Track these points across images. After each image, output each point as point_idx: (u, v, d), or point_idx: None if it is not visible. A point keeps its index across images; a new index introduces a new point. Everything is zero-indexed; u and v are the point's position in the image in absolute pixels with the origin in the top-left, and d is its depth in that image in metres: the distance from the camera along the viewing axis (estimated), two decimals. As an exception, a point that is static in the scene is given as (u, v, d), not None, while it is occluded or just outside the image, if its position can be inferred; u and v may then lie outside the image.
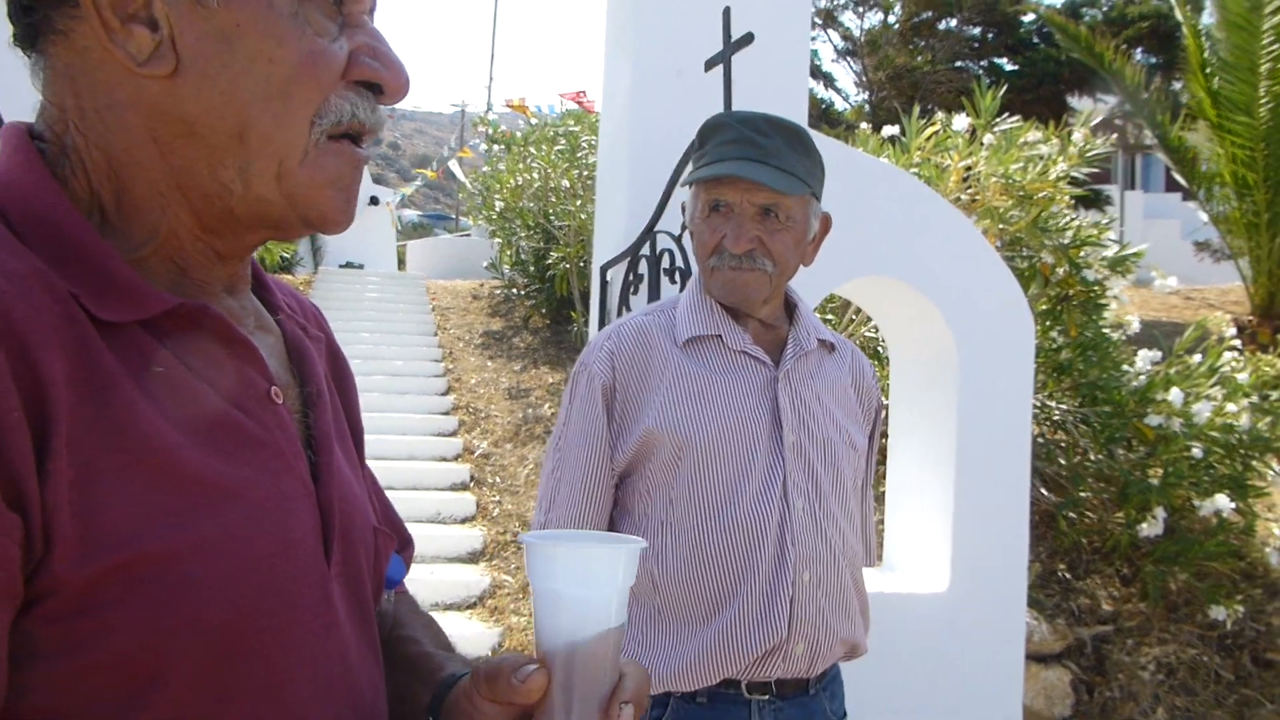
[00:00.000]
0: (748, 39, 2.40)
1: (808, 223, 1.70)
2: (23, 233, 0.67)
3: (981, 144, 4.47)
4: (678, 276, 2.65)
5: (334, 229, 0.79)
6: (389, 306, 11.13)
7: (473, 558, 5.83)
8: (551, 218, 9.27)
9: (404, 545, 1.01)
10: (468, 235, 17.97)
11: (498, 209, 10.32)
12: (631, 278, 2.89)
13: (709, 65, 2.64)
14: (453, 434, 7.62)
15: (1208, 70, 8.79)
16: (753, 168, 1.62)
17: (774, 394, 1.69)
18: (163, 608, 0.64)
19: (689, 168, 1.74)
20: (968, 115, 4.49)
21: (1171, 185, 20.33)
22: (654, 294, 2.74)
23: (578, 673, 0.76)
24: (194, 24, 0.70)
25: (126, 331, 0.68)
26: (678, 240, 2.67)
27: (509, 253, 10.59)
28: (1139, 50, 15.70)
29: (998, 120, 4.54)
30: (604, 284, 3.17)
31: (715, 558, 1.63)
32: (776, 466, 1.66)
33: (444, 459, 7.15)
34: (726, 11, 2.53)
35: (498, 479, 6.84)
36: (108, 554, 0.62)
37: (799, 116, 3.00)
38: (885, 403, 3.97)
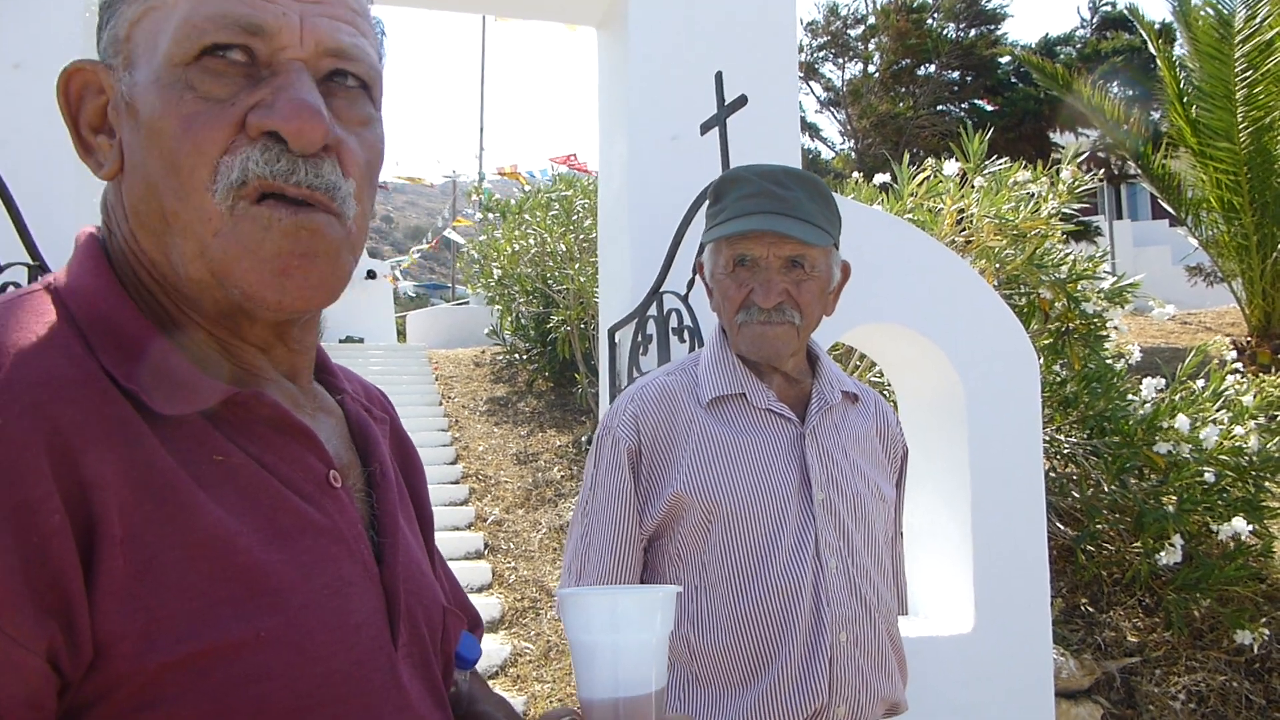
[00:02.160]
0: (742, 101, 2.48)
1: (830, 272, 1.70)
2: (88, 334, 0.69)
3: (973, 186, 4.56)
4: (686, 335, 2.70)
5: (270, 307, 0.73)
6: (392, 378, 11.17)
7: (492, 626, 5.79)
8: (550, 282, 9.36)
9: (474, 625, 0.99)
10: (465, 303, 18.08)
11: (496, 276, 10.41)
12: (640, 339, 2.94)
13: (705, 129, 2.71)
14: (464, 502, 7.61)
15: (1185, 100, 8.94)
16: (779, 221, 1.60)
17: (801, 451, 1.67)
18: (227, 700, 0.65)
19: (706, 224, 1.74)
20: (957, 160, 4.58)
21: (1158, 212, 20.54)
22: (664, 354, 2.78)
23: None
24: (127, 122, 0.74)
25: (187, 423, 0.70)
26: (684, 300, 2.71)
27: (509, 319, 10.66)
28: (1115, 84, 15.96)
29: (986, 163, 4.63)
30: (613, 346, 3.21)
31: (751, 621, 1.60)
32: (808, 526, 1.63)
33: (457, 528, 7.13)
34: (719, 75, 2.60)
35: (512, 545, 6.82)
36: (171, 647, 0.63)
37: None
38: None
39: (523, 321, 10.36)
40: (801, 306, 1.66)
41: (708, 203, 1.77)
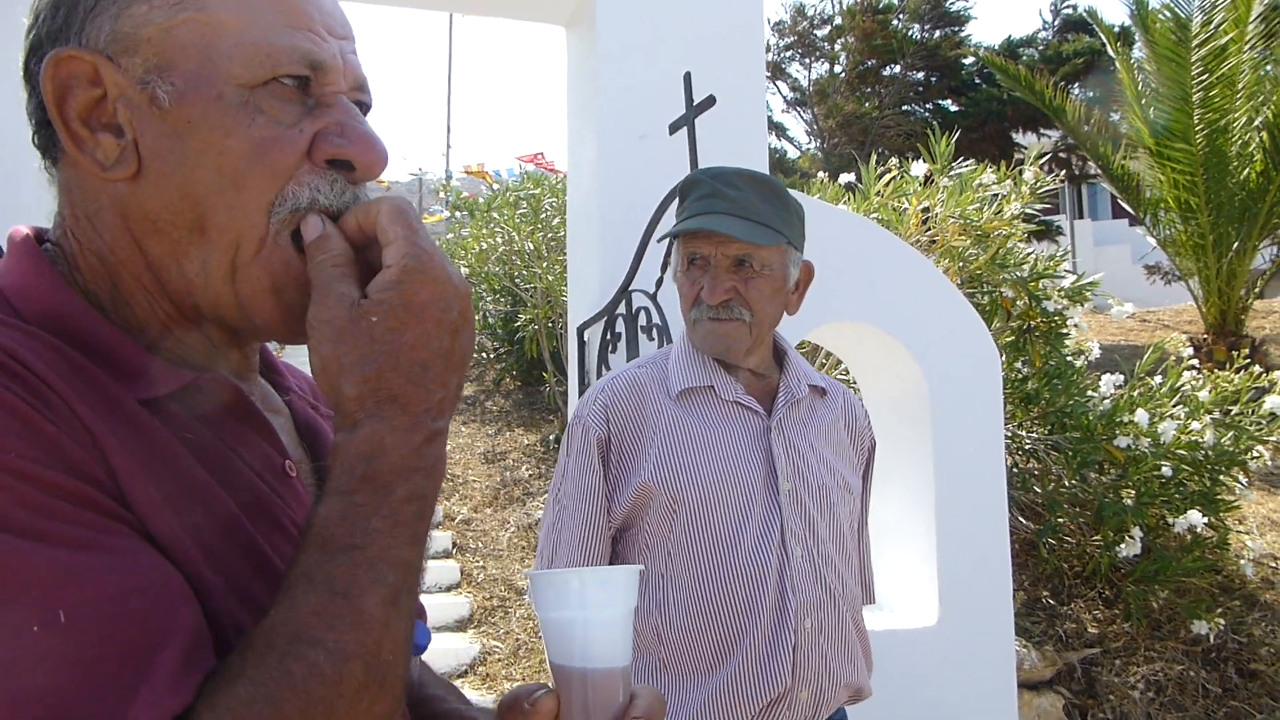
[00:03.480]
0: (710, 101, 2.50)
1: (785, 271, 1.73)
2: (39, 329, 0.69)
3: (938, 187, 4.62)
4: (655, 333, 2.72)
5: (276, 337, 0.77)
6: (359, 378, 11.08)
7: (460, 625, 5.78)
8: (517, 281, 9.35)
9: (419, 613, 1.03)
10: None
11: (463, 274, 10.37)
12: (609, 336, 2.96)
13: (673, 129, 2.73)
14: (432, 501, 7.58)
15: (1143, 102, 9.10)
16: (723, 220, 1.65)
17: (768, 443, 1.71)
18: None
19: (671, 223, 1.79)
20: (924, 160, 4.64)
21: (1118, 211, 20.86)
22: (632, 351, 2.81)
23: (590, 691, 0.79)
24: (151, 125, 0.73)
25: (155, 405, 0.71)
26: (653, 298, 2.74)
27: (477, 317, 10.63)
28: (1076, 86, 16.20)
29: (952, 164, 4.70)
30: (582, 344, 3.23)
31: (716, 609, 1.63)
32: (773, 515, 1.67)
33: (425, 527, 7.10)
34: (688, 76, 2.63)
35: (480, 544, 6.81)
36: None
37: (760, 169, 3.10)
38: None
39: (490, 320, 10.33)
40: (750, 304, 1.70)
41: (675, 202, 1.81)
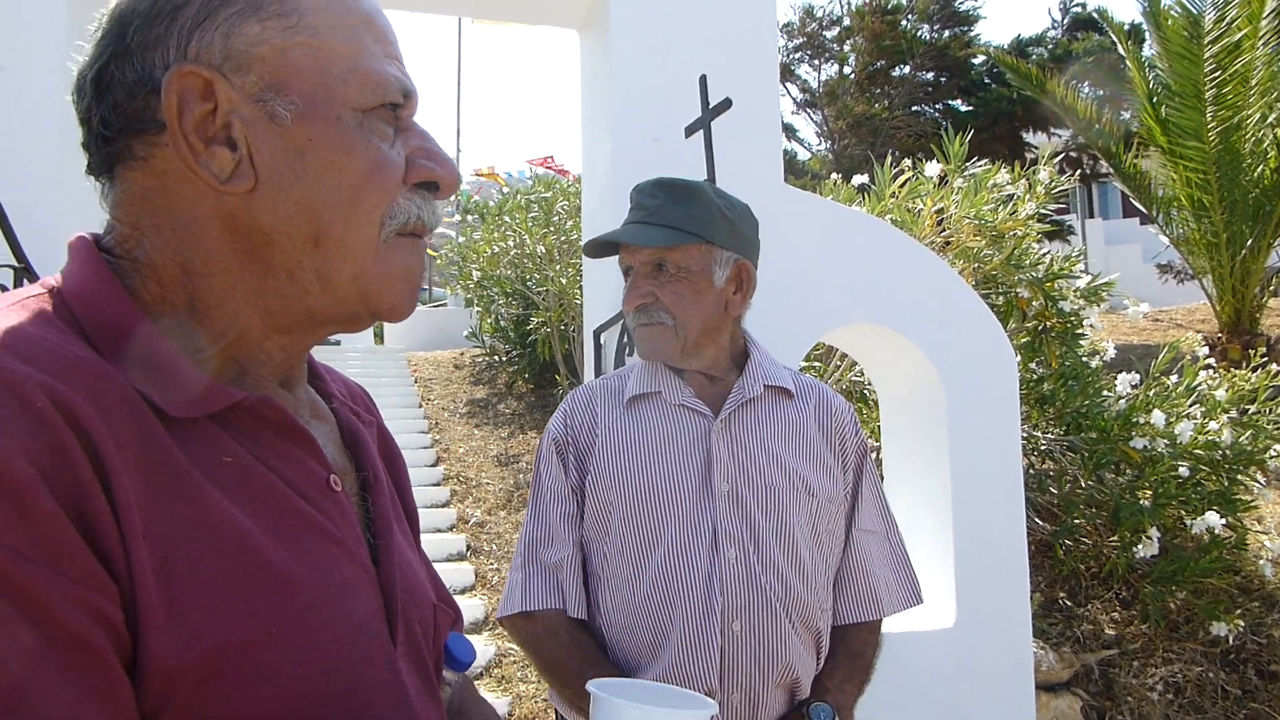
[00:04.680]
0: (726, 104, 2.50)
1: (707, 271, 1.72)
2: (93, 337, 0.70)
3: (952, 188, 4.61)
4: (672, 336, 2.72)
5: (400, 318, 0.83)
6: (371, 380, 11.12)
7: (475, 628, 5.80)
8: (530, 284, 9.36)
9: (456, 619, 1.01)
10: (444, 305, 18.03)
11: (475, 278, 10.40)
12: (626, 340, 2.96)
13: (689, 131, 2.73)
14: (445, 504, 7.61)
15: (1155, 100, 9.06)
16: (629, 230, 1.72)
17: (708, 444, 1.70)
18: (240, 698, 0.65)
19: None
20: (938, 161, 4.64)
21: (1129, 210, 20.78)
22: (649, 354, 2.81)
23: None
24: (269, 141, 0.75)
25: (195, 426, 0.71)
26: (669, 301, 2.74)
27: (489, 320, 10.65)
28: (1086, 84, 16.14)
29: (966, 165, 4.68)
30: (598, 347, 3.22)
31: (645, 610, 1.65)
32: (704, 516, 1.65)
33: (439, 530, 7.13)
34: (703, 79, 2.63)
35: (494, 546, 6.83)
36: (188, 643, 0.63)
37: (775, 171, 3.10)
38: (875, 444, 4.02)
39: (502, 323, 10.35)
40: (669, 307, 1.71)
41: None
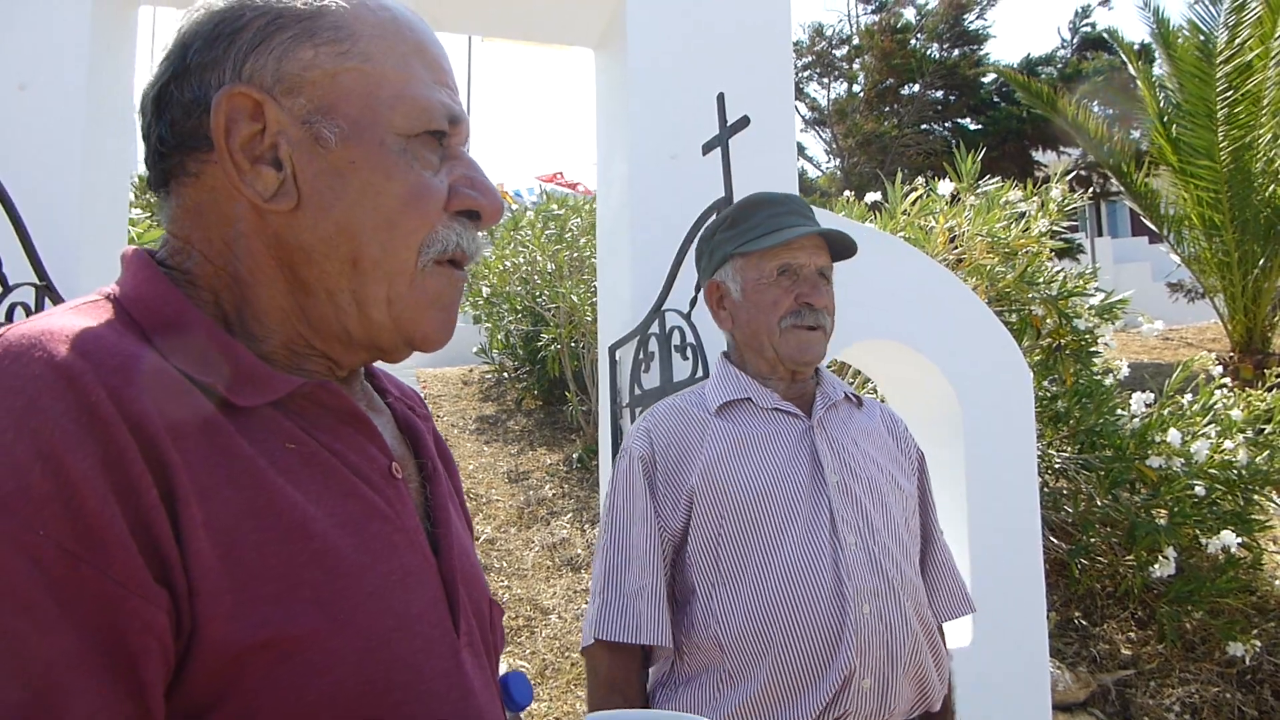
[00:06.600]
0: (744, 122, 2.51)
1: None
2: (151, 335, 0.71)
3: (965, 205, 4.62)
4: (690, 353, 2.72)
5: (434, 347, 0.83)
6: (381, 397, 11.14)
7: (486, 645, 5.78)
8: (539, 300, 9.38)
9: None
10: (453, 322, 18.05)
11: (485, 294, 10.42)
12: (642, 356, 2.96)
13: (707, 149, 2.74)
14: (455, 521, 7.59)
15: (1165, 119, 9.06)
16: (840, 234, 1.76)
17: (811, 441, 1.74)
18: (304, 686, 0.66)
19: (729, 245, 1.83)
20: (950, 179, 4.65)
21: (1138, 229, 20.76)
22: (666, 371, 2.81)
23: None
24: (313, 162, 0.76)
25: (258, 414, 0.72)
26: (687, 317, 2.74)
27: (498, 337, 10.66)
28: (1096, 103, 16.17)
29: (978, 182, 4.69)
30: (613, 364, 3.23)
31: (773, 604, 1.63)
32: (821, 506, 1.68)
33: (449, 547, 7.11)
34: (721, 97, 2.64)
35: (505, 564, 6.81)
36: (254, 630, 0.64)
37: (790, 188, 3.11)
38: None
39: (512, 340, 10.36)
40: (830, 313, 1.77)
41: (723, 227, 1.83)
